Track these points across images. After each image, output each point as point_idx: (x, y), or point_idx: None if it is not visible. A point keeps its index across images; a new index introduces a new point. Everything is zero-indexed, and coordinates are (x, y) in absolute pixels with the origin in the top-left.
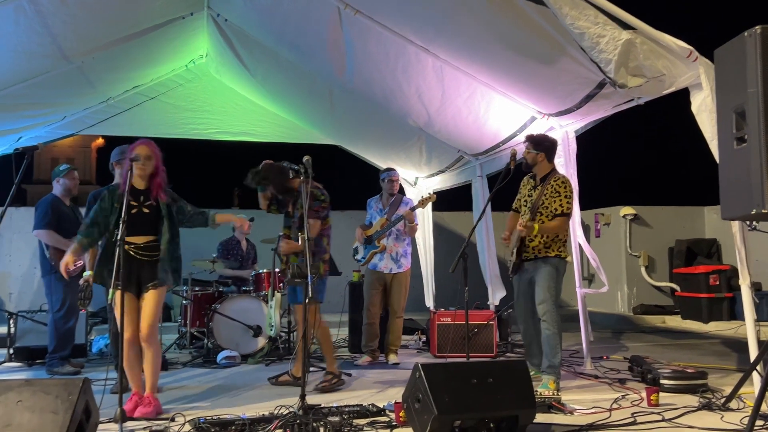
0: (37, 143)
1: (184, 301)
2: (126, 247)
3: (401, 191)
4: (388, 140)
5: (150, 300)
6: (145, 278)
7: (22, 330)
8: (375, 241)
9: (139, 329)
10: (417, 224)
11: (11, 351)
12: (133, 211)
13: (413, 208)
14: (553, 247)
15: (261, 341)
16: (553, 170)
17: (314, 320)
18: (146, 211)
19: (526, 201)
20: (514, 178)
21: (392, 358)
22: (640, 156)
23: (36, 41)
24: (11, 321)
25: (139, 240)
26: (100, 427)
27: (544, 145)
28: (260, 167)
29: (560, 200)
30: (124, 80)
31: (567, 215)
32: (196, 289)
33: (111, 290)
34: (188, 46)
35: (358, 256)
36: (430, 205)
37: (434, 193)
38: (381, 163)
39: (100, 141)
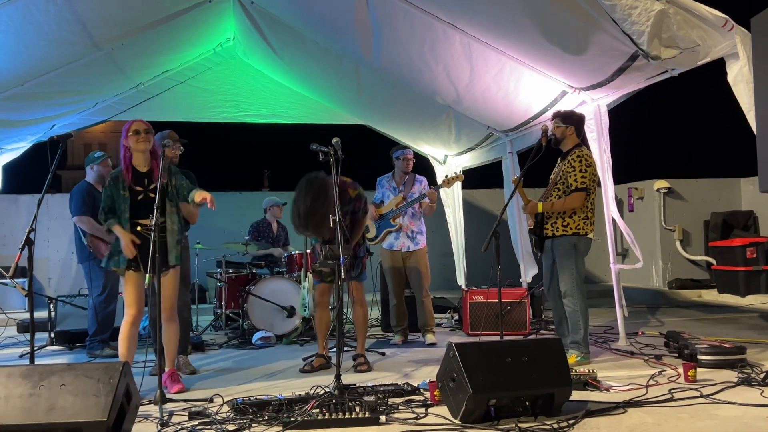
0: (70, 130)
1: (218, 284)
2: (139, 228)
3: (424, 170)
4: (416, 119)
5: (169, 282)
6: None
7: (62, 314)
8: (390, 219)
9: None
10: (435, 206)
11: (52, 335)
12: (140, 197)
13: (438, 187)
14: (570, 224)
15: (295, 321)
16: (577, 145)
17: (359, 299)
18: (152, 195)
19: (551, 179)
20: (545, 154)
21: (430, 338)
22: (674, 128)
23: (66, 29)
24: (51, 306)
25: (146, 221)
26: (141, 409)
27: (572, 119)
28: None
29: (575, 175)
30: (153, 65)
31: (581, 190)
32: (230, 271)
33: (148, 275)
34: (215, 29)
35: (369, 235)
36: (459, 183)
37: (463, 171)
38: (410, 142)
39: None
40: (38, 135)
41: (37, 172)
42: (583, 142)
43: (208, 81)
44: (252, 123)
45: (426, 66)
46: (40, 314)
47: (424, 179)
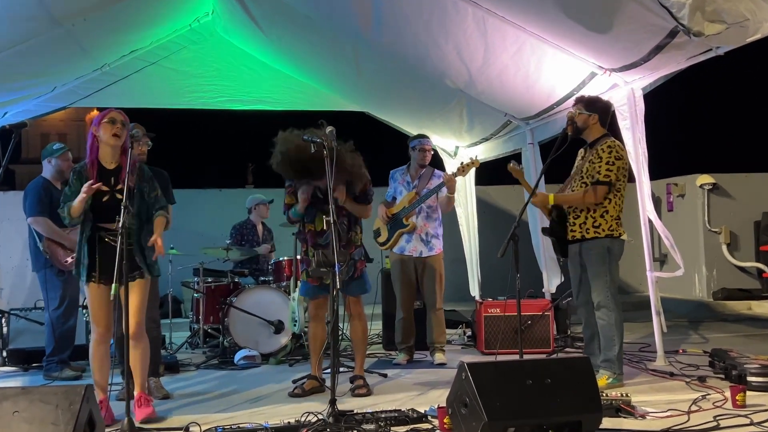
0: (24, 119)
1: (195, 295)
2: (102, 234)
3: (436, 164)
4: (422, 104)
5: (136, 292)
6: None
7: (16, 330)
8: (403, 219)
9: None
10: (454, 197)
11: (4, 354)
12: (105, 198)
13: (454, 175)
14: (603, 225)
15: (283, 338)
16: (605, 135)
17: (358, 312)
18: (119, 196)
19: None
20: (571, 145)
21: (439, 358)
22: (720, 116)
23: (20, 2)
24: (3, 320)
25: (112, 226)
26: None
27: (596, 106)
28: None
29: (600, 166)
30: (120, 44)
31: (603, 184)
32: (209, 280)
33: (114, 285)
34: (191, 2)
35: (381, 239)
36: (472, 177)
37: (478, 160)
38: (415, 131)
39: (96, 113)
40: None
41: None
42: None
43: (183, 62)
44: (234, 110)
45: (434, 44)
46: None
47: (444, 173)
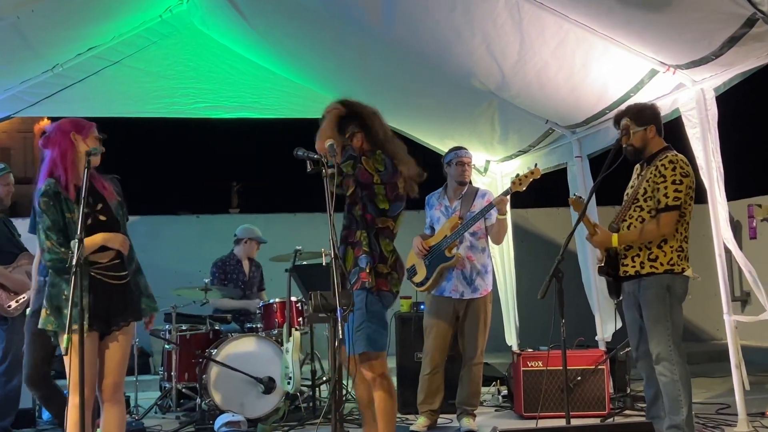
0: None
1: (166, 346)
2: (90, 268)
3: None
4: (444, 111)
5: (122, 342)
6: (114, 310)
7: None
8: (445, 251)
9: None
10: (506, 220)
11: None
12: (88, 222)
13: (506, 192)
14: (660, 258)
15: (275, 400)
16: (665, 148)
17: (374, 379)
18: (102, 218)
19: (628, 194)
20: (628, 158)
21: (468, 423)
22: None
23: None
24: None
25: (104, 258)
26: None
27: (647, 115)
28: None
29: (666, 188)
30: (75, 39)
31: (672, 209)
32: (183, 328)
33: (66, 336)
34: None
35: (418, 278)
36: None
37: (539, 168)
38: (437, 143)
39: (47, 123)
40: None
41: None
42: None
43: (152, 60)
44: (215, 118)
45: (458, 37)
46: None
47: (490, 192)
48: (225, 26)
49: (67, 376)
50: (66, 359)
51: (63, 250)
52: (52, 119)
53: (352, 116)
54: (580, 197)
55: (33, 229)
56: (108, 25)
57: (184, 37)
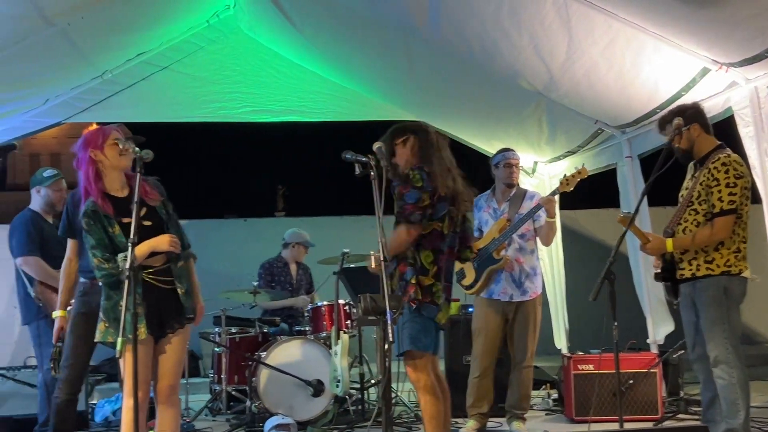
0: (11, 139)
1: (216, 349)
2: (142, 273)
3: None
4: (491, 111)
5: (176, 345)
6: (167, 314)
7: (2, 394)
8: (493, 253)
9: (156, 387)
10: (556, 222)
11: None
12: (144, 224)
13: (553, 193)
14: (717, 260)
15: (324, 403)
16: (718, 148)
17: (418, 380)
18: (147, 223)
19: (683, 195)
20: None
21: (518, 427)
22: None
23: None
24: None
25: (155, 262)
26: None
27: (689, 113)
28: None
29: (719, 192)
30: (124, 46)
31: (728, 213)
32: (233, 331)
33: (120, 339)
34: None
35: (466, 281)
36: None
37: (585, 168)
38: (484, 145)
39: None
40: None
41: None
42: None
43: (199, 65)
44: (261, 122)
45: (505, 38)
46: None
47: (539, 194)
48: (272, 30)
49: (121, 379)
50: (121, 362)
51: (110, 265)
52: (101, 125)
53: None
54: (628, 213)
55: (63, 231)
56: (156, 31)
57: (231, 41)
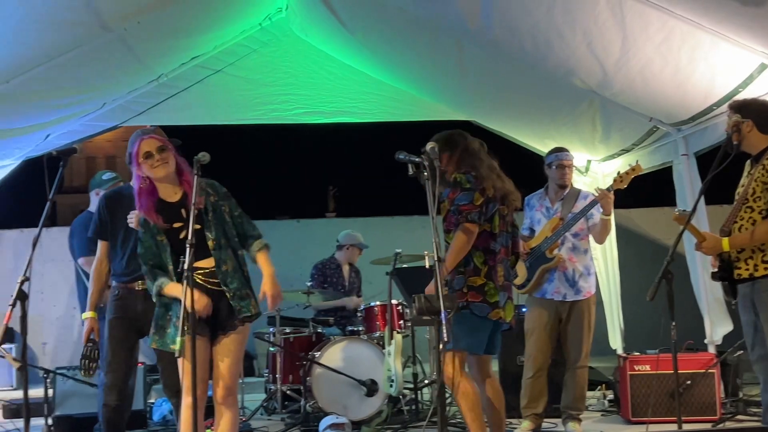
0: (71, 142)
1: (271, 349)
2: (194, 274)
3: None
4: (543, 110)
5: (231, 347)
6: (220, 316)
7: (63, 393)
8: (545, 252)
9: (213, 388)
10: (611, 220)
11: (50, 422)
12: (182, 235)
13: (610, 188)
14: None
15: (378, 402)
16: None
17: (450, 376)
18: (197, 227)
19: (739, 193)
20: (738, 156)
21: (574, 428)
22: None
23: (66, 5)
24: (47, 381)
25: (207, 264)
26: None
27: (750, 109)
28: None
29: None
30: (179, 49)
31: None
32: (287, 331)
33: (179, 339)
34: None
35: (518, 280)
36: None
37: (640, 165)
38: (537, 144)
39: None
40: (28, 149)
41: (23, 198)
42: None
43: (252, 68)
44: (312, 123)
45: (558, 36)
46: (34, 392)
47: (592, 194)
48: (323, 32)
49: (181, 379)
50: (179, 362)
51: (149, 282)
52: (140, 136)
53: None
54: (684, 211)
55: (93, 233)
56: (210, 35)
57: (283, 44)
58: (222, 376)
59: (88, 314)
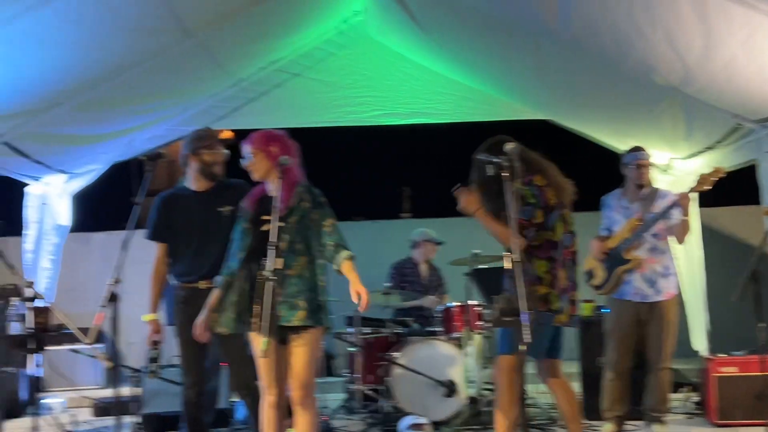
0: (155, 147)
1: (350, 349)
2: (266, 274)
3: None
4: (623, 108)
5: (299, 349)
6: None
7: (150, 392)
8: (623, 253)
9: (289, 389)
10: (690, 222)
11: (138, 420)
12: (264, 228)
13: (692, 190)
14: None
15: (457, 403)
16: None
17: (502, 379)
18: (286, 223)
19: None
20: None
21: (658, 430)
22: None
23: (150, 13)
24: (135, 380)
25: (277, 264)
26: None
27: None
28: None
29: None
30: (257, 54)
31: None
32: (366, 331)
33: (264, 340)
34: (339, 1)
35: (596, 281)
36: (695, 197)
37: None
38: (615, 142)
39: (228, 134)
40: (114, 153)
41: (109, 201)
42: None
43: (329, 71)
44: (388, 125)
45: (638, 33)
46: (122, 391)
47: (671, 193)
48: (400, 34)
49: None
50: (259, 362)
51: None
52: (236, 132)
53: None
54: None
55: (150, 235)
56: (288, 40)
57: (359, 46)
58: (296, 377)
59: (151, 316)
